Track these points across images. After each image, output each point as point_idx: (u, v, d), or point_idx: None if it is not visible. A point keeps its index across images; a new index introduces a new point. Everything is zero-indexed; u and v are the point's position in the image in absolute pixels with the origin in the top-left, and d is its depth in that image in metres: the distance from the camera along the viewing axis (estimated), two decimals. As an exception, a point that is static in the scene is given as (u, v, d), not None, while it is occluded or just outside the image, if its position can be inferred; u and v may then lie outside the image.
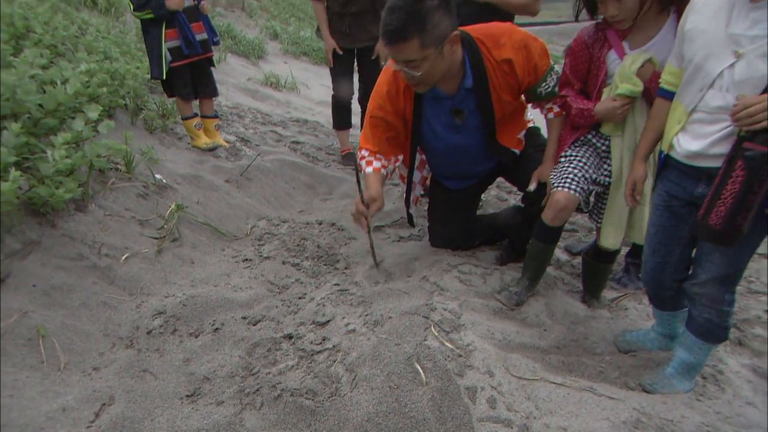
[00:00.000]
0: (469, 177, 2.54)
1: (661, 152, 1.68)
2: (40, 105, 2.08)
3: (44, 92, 2.14)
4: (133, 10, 2.99)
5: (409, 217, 2.70)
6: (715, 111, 1.46)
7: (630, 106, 1.89)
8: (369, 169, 2.25)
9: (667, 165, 1.65)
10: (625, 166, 1.97)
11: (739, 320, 2.33)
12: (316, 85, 7.13)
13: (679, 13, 1.80)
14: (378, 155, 2.27)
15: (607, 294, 2.46)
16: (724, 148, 1.44)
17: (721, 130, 1.45)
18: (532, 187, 2.22)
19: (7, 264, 1.75)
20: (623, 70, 1.85)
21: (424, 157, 2.53)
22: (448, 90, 2.13)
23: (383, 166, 2.28)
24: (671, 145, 1.60)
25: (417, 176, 2.57)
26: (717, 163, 1.45)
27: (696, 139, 1.52)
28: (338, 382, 1.54)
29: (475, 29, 2.11)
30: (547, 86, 2.16)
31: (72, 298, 1.85)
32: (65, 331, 1.71)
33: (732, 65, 1.40)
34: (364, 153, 2.28)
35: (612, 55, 1.91)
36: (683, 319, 1.85)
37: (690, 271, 1.76)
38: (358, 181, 2.22)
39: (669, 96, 1.64)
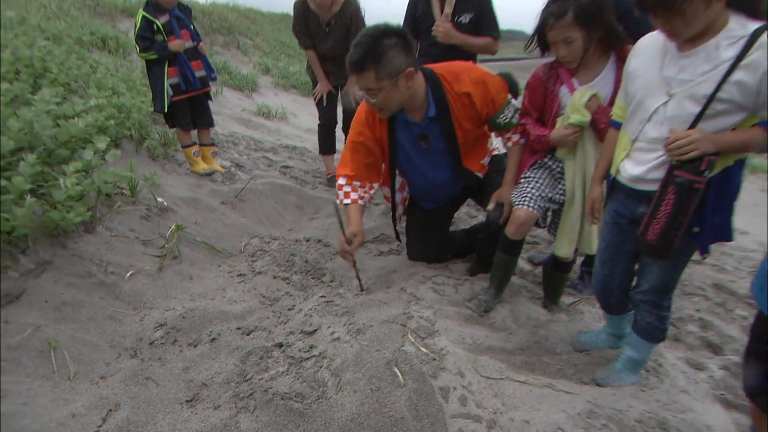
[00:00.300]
0: (441, 198, 2.60)
1: (610, 176, 1.76)
2: (54, 137, 2.09)
3: (58, 125, 2.15)
4: (140, 51, 3.02)
5: (396, 233, 2.74)
6: (653, 141, 1.54)
7: (580, 134, 1.99)
8: (347, 201, 2.27)
9: (614, 187, 1.73)
10: (577, 186, 2.06)
11: (675, 319, 2.42)
12: (304, 115, 7.19)
13: (618, 57, 1.93)
14: (354, 182, 2.29)
15: (565, 299, 2.53)
16: (660, 174, 1.51)
17: (657, 158, 1.53)
18: (490, 206, 2.30)
19: (21, 282, 1.75)
20: (573, 103, 1.94)
21: (404, 180, 2.60)
22: (415, 118, 2.22)
23: (360, 197, 2.28)
24: (618, 170, 1.68)
25: (398, 197, 2.63)
26: (655, 187, 1.53)
27: (637, 165, 1.60)
28: (324, 386, 1.55)
29: (439, 66, 2.21)
30: (505, 117, 2.24)
31: (81, 313, 1.84)
32: (75, 343, 1.71)
33: (665, 103, 1.48)
34: (341, 181, 2.29)
35: (564, 90, 2.01)
36: (629, 321, 1.93)
37: (634, 282, 1.84)
38: (340, 220, 2.21)
39: (618, 126, 1.73)
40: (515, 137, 2.29)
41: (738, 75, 1.34)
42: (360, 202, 2.28)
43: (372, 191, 2.37)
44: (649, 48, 1.56)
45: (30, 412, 1.38)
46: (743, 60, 1.32)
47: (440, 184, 2.47)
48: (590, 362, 2.01)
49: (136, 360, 1.75)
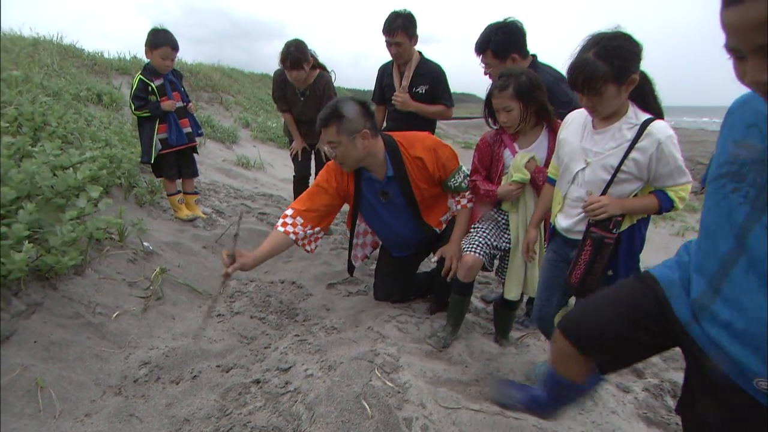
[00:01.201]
0: (406, 246, 2.72)
1: (551, 224, 1.95)
2: (52, 187, 2.10)
3: (55, 176, 2.16)
4: (134, 109, 3.09)
5: (350, 267, 2.81)
6: (576, 200, 1.75)
7: (521, 190, 2.18)
8: (280, 229, 2.24)
9: (554, 234, 1.92)
10: (520, 234, 2.23)
11: None
12: (280, 165, 7.29)
13: (550, 129, 2.17)
14: (299, 217, 2.28)
15: (514, 334, 2.65)
16: (583, 227, 1.73)
17: (581, 214, 1.74)
18: (434, 259, 2.47)
19: (12, 323, 1.70)
20: (515, 164, 2.15)
21: (370, 228, 2.71)
22: (377, 176, 2.38)
23: (294, 232, 2.25)
24: (555, 221, 1.87)
25: (368, 239, 2.71)
26: (579, 235, 1.74)
27: (567, 218, 1.80)
28: (299, 420, 1.57)
29: (397, 134, 2.42)
30: (455, 181, 2.41)
31: (68, 352, 1.80)
32: (61, 382, 1.66)
33: (583, 169, 1.70)
34: (288, 212, 2.30)
35: (507, 152, 2.22)
36: None
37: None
38: (237, 230, 2.11)
39: (552, 182, 1.94)
40: (464, 201, 2.47)
41: (634, 154, 1.58)
42: (291, 236, 2.24)
43: (311, 233, 2.32)
44: (575, 122, 1.79)
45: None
46: (637, 143, 1.57)
47: (402, 234, 2.60)
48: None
49: (120, 397, 1.72)
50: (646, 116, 1.60)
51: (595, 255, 1.65)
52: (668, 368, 2.59)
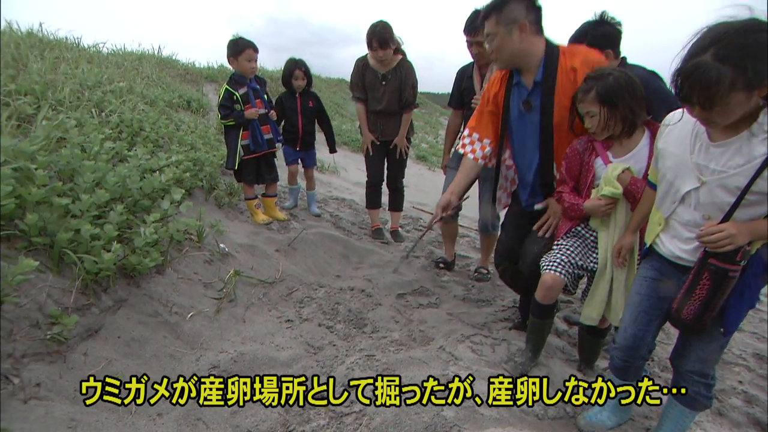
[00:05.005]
0: (531, 190, 2.38)
1: (645, 244, 1.70)
2: (140, 188, 2.25)
3: (144, 178, 2.32)
4: (221, 118, 3.30)
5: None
6: (687, 223, 1.50)
7: (613, 206, 1.93)
8: (461, 150, 2.45)
9: (651, 252, 1.67)
10: (609, 256, 1.98)
11: (716, 390, 2.20)
12: (353, 169, 7.40)
13: (653, 134, 1.89)
14: (475, 133, 2.41)
15: (600, 363, 2.38)
16: (696, 255, 1.48)
17: (692, 240, 1.48)
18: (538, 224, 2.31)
19: (101, 318, 1.83)
20: (606, 176, 1.91)
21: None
22: (526, 82, 2.19)
23: (473, 151, 2.40)
24: (655, 242, 1.62)
25: (510, 174, 2.50)
26: (690, 261, 1.49)
27: (674, 242, 1.55)
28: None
29: (565, 45, 2.20)
30: None
31: (146, 350, 1.90)
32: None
33: (697, 189, 1.43)
34: (465, 132, 2.45)
35: (599, 162, 1.98)
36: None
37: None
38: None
39: (653, 186, 1.68)
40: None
41: None
42: (470, 155, 2.41)
43: (485, 150, 2.41)
44: (680, 129, 1.51)
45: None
46: None
47: (528, 164, 2.32)
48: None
49: (190, 400, 1.77)
50: None
51: (715, 290, 1.39)
52: None
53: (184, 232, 2.54)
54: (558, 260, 2.03)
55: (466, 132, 2.45)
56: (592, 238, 2.07)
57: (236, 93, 3.28)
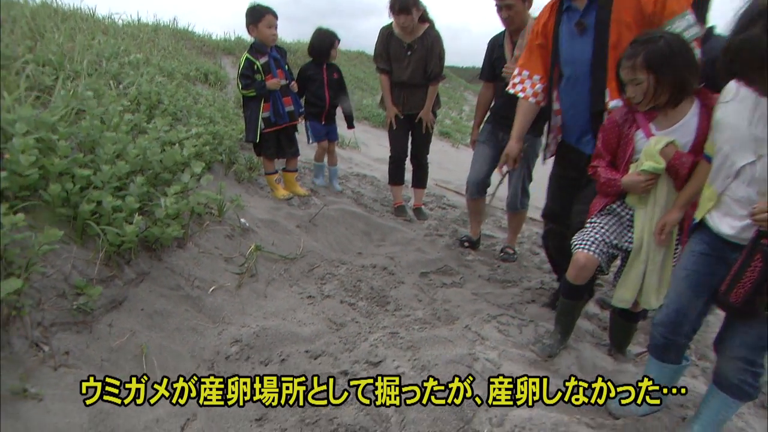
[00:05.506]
0: (580, 127, 2.28)
1: (694, 219, 1.64)
2: (161, 161, 2.27)
3: (164, 151, 2.33)
4: (241, 88, 3.26)
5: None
6: (741, 200, 1.43)
7: (653, 182, 1.84)
8: (512, 90, 2.44)
9: (701, 225, 1.60)
10: (646, 235, 1.90)
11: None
12: (374, 145, 7.33)
13: (703, 104, 1.78)
14: (525, 70, 2.39)
15: (632, 348, 2.33)
16: (748, 233, 1.41)
17: (746, 217, 1.41)
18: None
19: (124, 290, 1.88)
20: (648, 149, 1.82)
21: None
22: (578, 4, 2.09)
23: (523, 89, 2.39)
24: (705, 218, 1.57)
25: (557, 120, 2.41)
26: (744, 239, 1.43)
27: (725, 218, 1.49)
28: (388, 422, 1.51)
29: None
30: (676, 28, 1.89)
31: (169, 323, 1.94)
32: (162, 351, 1.79)
33: (753, 163, 1.37)
34: (516, 71, 2.43)
35: (639, 134, 1.89)
36: (678, 376, 1.75)
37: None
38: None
39: (709, 159, 1.61)
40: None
41: None
42: (521, 95, 2.40)
43: (536, 87, 2.38)
44: (740, 99, 1.42)
45: (123, 412, 1.46)
46: None
47: (578, 99, 2.21)
48: (659, 425, 1.79)
49: (212, 372, 1.81)
50: None
51: (766, 272, 1.33)
52: None
53: (205, 206, 2.56)
54: (592, 239, 1.97)
55: (516, 71, 2.41)
56: (628, 216, 1.99)
57: (257, 62, 3.23)
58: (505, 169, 2.72)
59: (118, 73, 3.34)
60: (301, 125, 3.85)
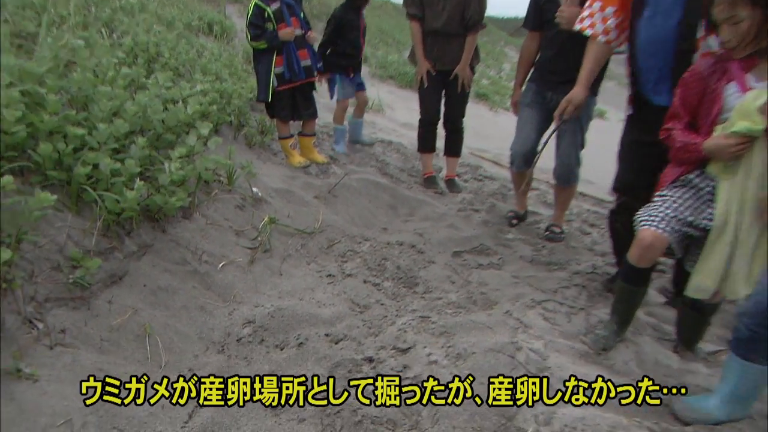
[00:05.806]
0: (660, 76, 2.18)
1: None
2: (163, 121, 2.24)
3: (167, 109, 2.30)
4: (250, 39, 3.17)
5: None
6: None
7: (746, 147, 1.69)
8: (578, 26, 2.34)
9: None
10: (732, 212, 1.74)
11: None
12: (401, 108, 7.19)
13: None
14: (596, 2, 2.25)
15: (704, 345, 2.23)
16: None
17: None
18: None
19: (125, 264, 1.88)
20: (744, 106, 1.66)
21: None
22: None
23: (592, 25, 2.27)
24: None
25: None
26: None
27: None
28: (419, 416, 1.48)
29: None
30: None
31: (175, 300, 1.95)
32: (167, 330, 1.80)
33: None
34: (586, 5, 2.32)
35: (732, 89, 1.74)
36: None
37: None
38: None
39: None
40: None
41: None
42: (589, 30, 2.28)
43: (608, 22, 2.26)
44: None
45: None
46: None
47: (662, 36, 2.09)
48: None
49: (222, 356, 1.81)
50: None
51: None
52: None
53: (213, 172, 2.54)
54: (662, 214, 1.84)
55: (586, 4, 2.28)
56: (708, 188, 1.85)
57: (268, 8, 3.13)
58: (564, 117, 2.57)
59: (110, 20, 3.30)
60: (319, 83, 3.76)
